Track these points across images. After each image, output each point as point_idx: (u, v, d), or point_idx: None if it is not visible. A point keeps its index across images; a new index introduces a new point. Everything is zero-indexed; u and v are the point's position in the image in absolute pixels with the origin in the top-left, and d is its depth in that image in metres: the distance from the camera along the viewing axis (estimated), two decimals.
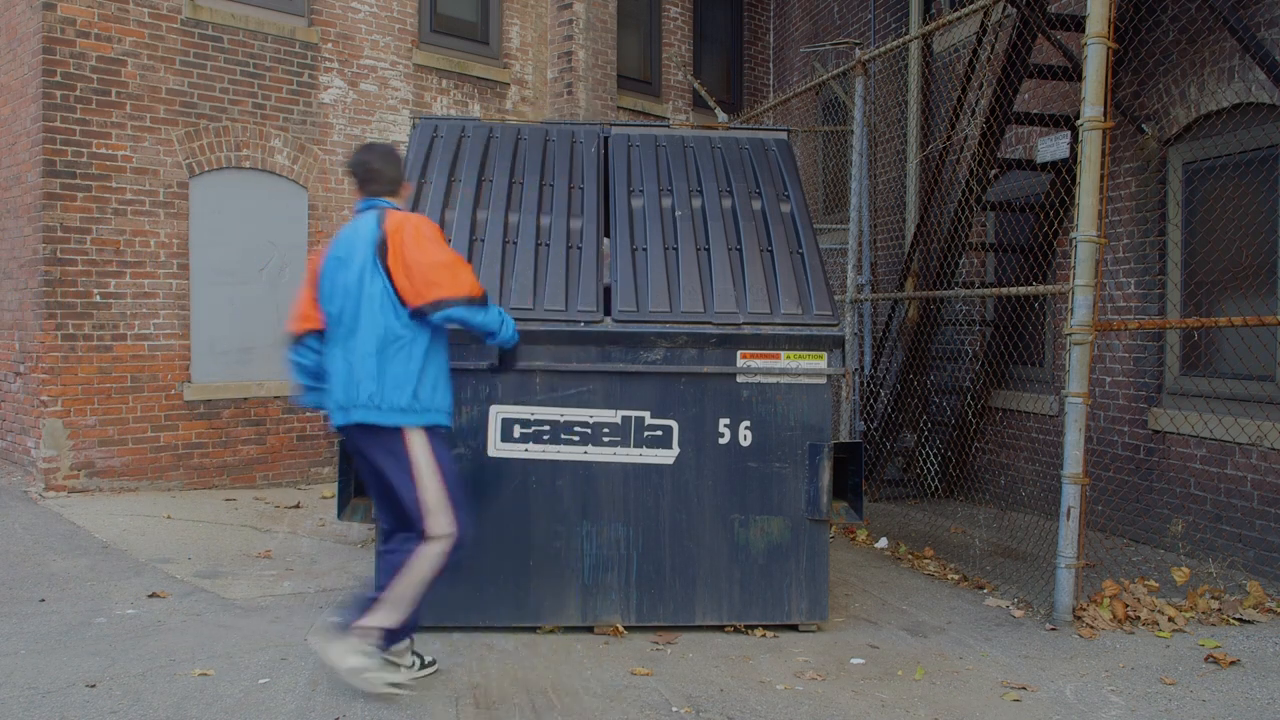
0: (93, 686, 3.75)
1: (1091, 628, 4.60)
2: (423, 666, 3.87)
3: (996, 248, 7.49)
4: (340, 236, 3.81)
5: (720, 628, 4.58)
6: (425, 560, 3.62)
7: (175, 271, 7.58)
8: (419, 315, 3.62)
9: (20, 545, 5.83)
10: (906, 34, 8.22)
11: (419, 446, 3.64)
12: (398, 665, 3.76)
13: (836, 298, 7.06)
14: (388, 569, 3.66)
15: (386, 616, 3.60)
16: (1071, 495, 4.67)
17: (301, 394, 3.91)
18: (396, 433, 3.62)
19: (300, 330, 3.83)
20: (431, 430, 3.69)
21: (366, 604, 3.63)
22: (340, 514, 4.53)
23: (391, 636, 3.65)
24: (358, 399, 3.61)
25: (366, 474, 3.83)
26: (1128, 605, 4.77)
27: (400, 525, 3.73)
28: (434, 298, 3.57)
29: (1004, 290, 5.62)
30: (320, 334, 3.81)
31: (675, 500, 4.50)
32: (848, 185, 8.86)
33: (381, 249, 3.60)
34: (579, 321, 4.44)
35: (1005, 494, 7.48)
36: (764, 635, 4.53)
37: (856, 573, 5.65)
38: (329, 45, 8.40)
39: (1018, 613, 4.86)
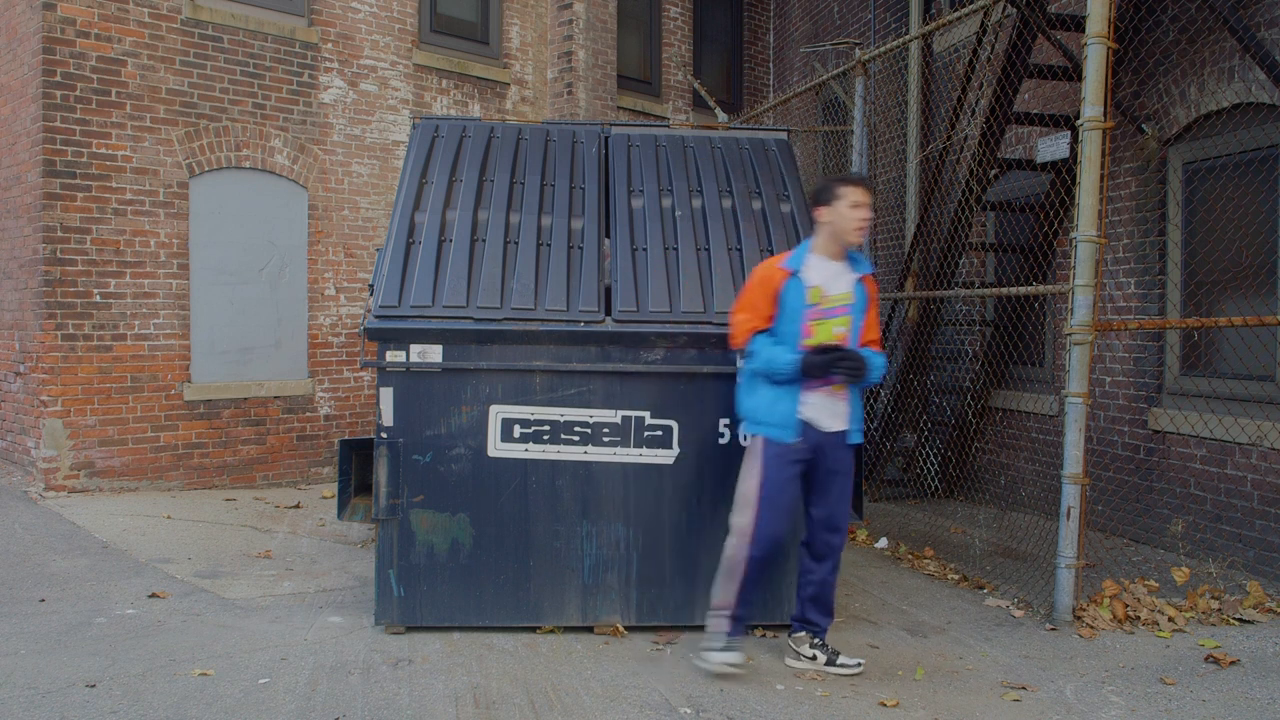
0: (93, 686, 3.75)
1: (1091, 628, 4.60)
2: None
3: (996, 248, 7.48)
4: None
5: None
6: None
7: (175, 271, 7.58)
8: None
9: (20, 545, 5.83)
10: (906, 34, 8.21)
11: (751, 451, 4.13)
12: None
13: None
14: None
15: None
16: (1071, 495, 4.67)
17: None
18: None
19: None
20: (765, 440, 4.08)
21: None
22: (340, 514, 4.53)
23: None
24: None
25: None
26: (1128, 605, 4.77)
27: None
28: None
29: (1004, 290, 5.62)
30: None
31: (675, 500, 4.50)
32: None
33: None
34: (579, 321, 4.44)
35: (1005, 494, 7.48)
36: (764, 635, 4.53)
37: (856, 573, 5.65)
38: (329, 45, 8.40)
39: (1018, 613, 4.86)
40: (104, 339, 7.28)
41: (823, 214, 4.06)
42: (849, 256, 4.11)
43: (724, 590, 4.03)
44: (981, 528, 6.80)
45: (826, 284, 4.03)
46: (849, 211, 4.01)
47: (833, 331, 4.03)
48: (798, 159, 8.11)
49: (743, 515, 4.03)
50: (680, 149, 5.28)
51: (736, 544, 4.02)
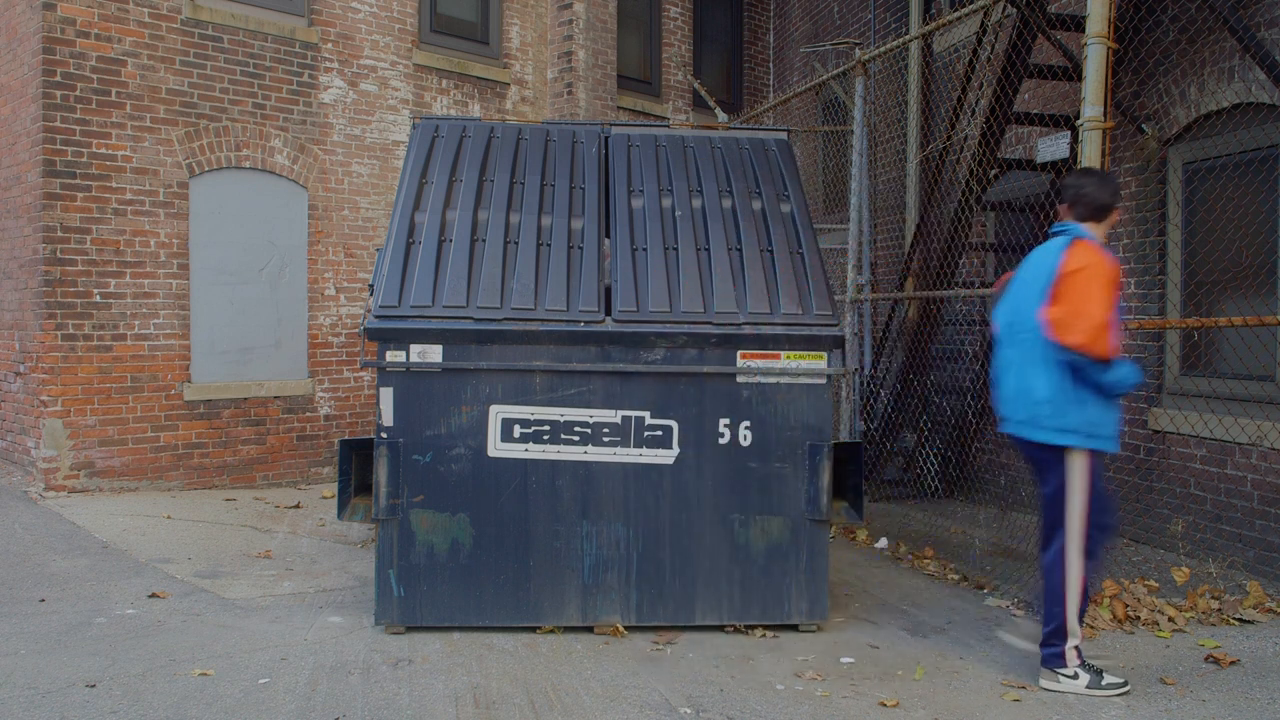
0: (93, 686, 3.75)
1: (1091, 628, 4.60)
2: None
3: (996, 248, 7.48)
4: (1030, 257, 4.08)
5: (720, 628, 4.58)
6: None
7: (175, 271, 7.58)
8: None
9: (20, 545, 5.83)
10: (906, 34, 8.21)
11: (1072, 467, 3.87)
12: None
13: (836, 298, 7.06)
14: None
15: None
16: None
17: None
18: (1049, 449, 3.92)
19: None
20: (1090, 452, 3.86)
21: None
22: (340, 514, 4.53)
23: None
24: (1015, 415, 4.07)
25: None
26: (1128, 605, 4.77)
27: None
28: (1065, 342, 3.80)
29: None
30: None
31: (675, 500, 4.50)
32: (848, 185, 8.86)
33: (1054, 283, 3.85)
34: (579, 321, 4.44)
35: (1005, 494, 7.48)
36: (764, 635, 4.53)
37: (856, 573, 5.65)
38: (329, 45, 8.40)
39: (1018, 613, 4.86)
40: (104, 339, 7.28)
41: (1116, 216, 4.01)
42: None
43: (1074, 614, 3.84)
44: (981, 528, 6.80)
45: None
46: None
47: None
48: (798, 159, 8.11)
49: (1072, 525, 3.81)
50: (680, 149, 5.28)
51: (1073, 554, 3.81)
